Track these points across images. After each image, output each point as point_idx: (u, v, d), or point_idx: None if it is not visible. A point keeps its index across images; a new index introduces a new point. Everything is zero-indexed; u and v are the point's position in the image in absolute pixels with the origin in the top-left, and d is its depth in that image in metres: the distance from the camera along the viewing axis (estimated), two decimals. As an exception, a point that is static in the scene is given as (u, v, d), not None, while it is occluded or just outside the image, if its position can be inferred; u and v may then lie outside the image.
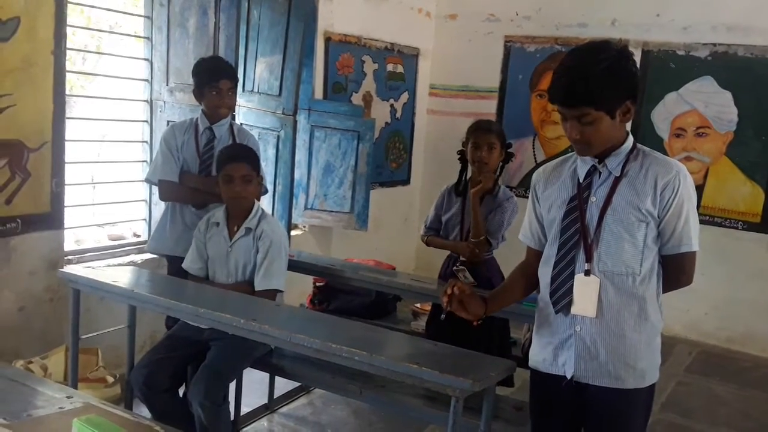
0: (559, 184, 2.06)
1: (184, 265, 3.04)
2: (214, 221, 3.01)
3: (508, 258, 3.38)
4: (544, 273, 2.06)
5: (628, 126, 2.02)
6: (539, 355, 2.09)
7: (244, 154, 2.99)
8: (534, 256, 2.16)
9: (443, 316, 2.13)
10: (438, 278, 3.50)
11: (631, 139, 2.00)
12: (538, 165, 5.69)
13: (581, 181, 2.01)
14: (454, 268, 3.35)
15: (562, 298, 1.99)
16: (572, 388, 2.01)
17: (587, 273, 1.96)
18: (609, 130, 1.91)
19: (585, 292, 1.96)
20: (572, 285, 1.98)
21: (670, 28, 5.14)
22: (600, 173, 1.98)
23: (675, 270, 2.01)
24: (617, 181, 1.96)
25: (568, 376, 2.01)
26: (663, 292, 2.03)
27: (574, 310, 1.98)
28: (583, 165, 2.01)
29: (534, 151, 5.76)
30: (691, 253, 1.99)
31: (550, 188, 2.08)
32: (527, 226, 2.17)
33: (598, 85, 1.85)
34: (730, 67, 4.99)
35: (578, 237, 1.98)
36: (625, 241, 1.95)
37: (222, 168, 2.94)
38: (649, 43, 5.21)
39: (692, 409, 4.06)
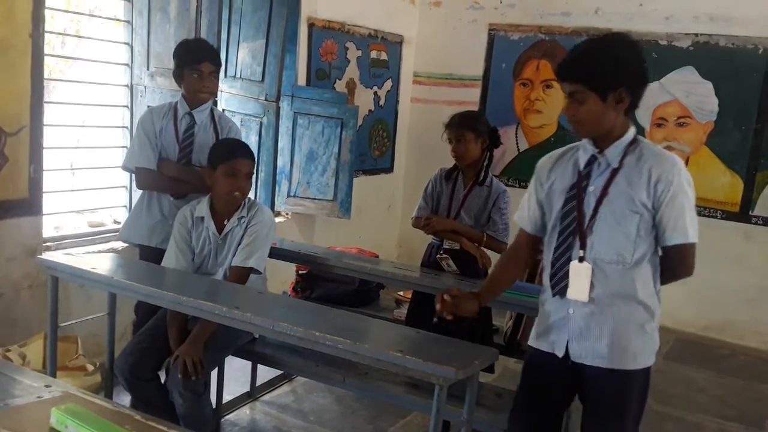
0: (560, 171, 2.12)
1: (165, 263, 2.93)
2: (198, 216, 2.92)
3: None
4: (547, 258, 2.14)
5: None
6: (534, 331, 2.20)
7: (250, 151, 2.98)
8: (526, 240, 2.24)
9: (435, 320, 2.19)
10: (420, 266, 3.50)
11: (632, 131, 2.05)
12: (520, 153, 5.76)
13: (581, 170, 2.07)
14: (438, 256, 3.35)
15: (559, 282, 2.08)
16: (567, 368, 2.09)
17: (581, 260, 2.04)
18: (601, 113, 1.97)
19: (578, 277, 2.04)
20: (568, 270, 2.06)
21: (652, 17, 5.16)
22: (599, 163, 2.04)
23: (672, 261, 2.08)
24: (615, 172, 2.02)
25: (559, 355, 2.09)
26: (662, 284, 2.10)
27: (569, 294, 2.06)
28: (584, 154, 2.08)
29: (517, 140, 5.77)
30: (688, 245, 2.03)
31: (553, 175, 2.14)
32: (525, 209, 2.22)
33: (592, 64, 1.96)
34: (712, 57, 5.03)
35: (575, 225, 2.05)
36: (617, 231, 2.01)
37: (227, 160, 2.84)
38: (632, 33, 5.16)
39: (670, 396, 4.11)
